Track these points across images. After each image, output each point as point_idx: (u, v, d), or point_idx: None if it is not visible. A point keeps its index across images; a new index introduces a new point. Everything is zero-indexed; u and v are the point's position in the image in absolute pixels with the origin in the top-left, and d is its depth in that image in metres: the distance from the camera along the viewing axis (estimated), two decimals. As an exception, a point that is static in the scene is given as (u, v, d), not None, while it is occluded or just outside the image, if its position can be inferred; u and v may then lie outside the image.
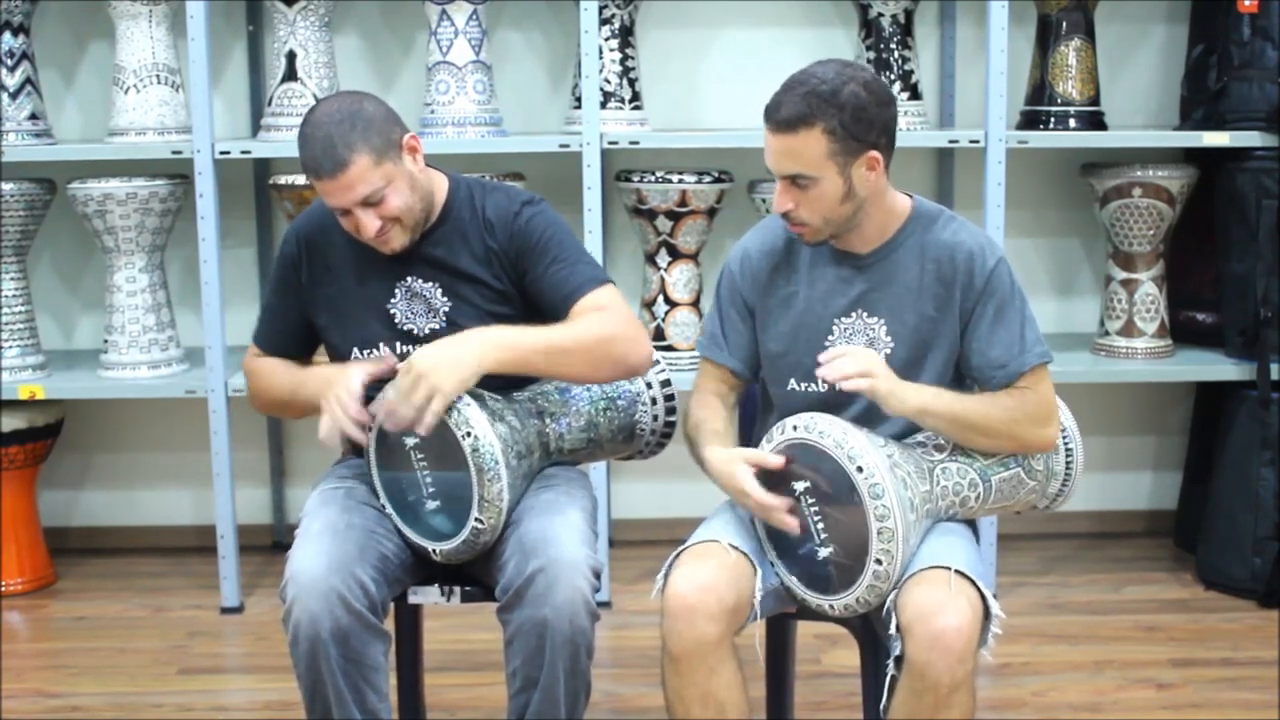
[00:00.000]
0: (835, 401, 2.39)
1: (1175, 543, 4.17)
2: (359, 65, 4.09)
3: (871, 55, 3.84)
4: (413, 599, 2.55)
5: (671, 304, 3.87)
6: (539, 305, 2.50)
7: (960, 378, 2.43)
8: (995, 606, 2.23)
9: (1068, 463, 2.51)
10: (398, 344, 2.51)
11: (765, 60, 4.03)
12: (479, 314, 2.50)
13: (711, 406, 2.49)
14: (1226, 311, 3.87)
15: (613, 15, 3.83)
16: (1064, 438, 2.52)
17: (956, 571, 2.21)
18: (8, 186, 3.70)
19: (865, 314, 2.41)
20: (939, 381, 2.39)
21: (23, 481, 3.92)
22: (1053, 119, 3.87)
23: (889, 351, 2.39)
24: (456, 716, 3.15)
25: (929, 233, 2.41)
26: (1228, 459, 3.78)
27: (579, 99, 3.76)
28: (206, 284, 3.69)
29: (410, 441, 2.42)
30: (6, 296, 3.78)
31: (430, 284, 2.51)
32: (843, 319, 2.42)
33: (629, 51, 3.88)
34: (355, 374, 2.42)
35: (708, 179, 3.76)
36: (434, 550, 2.44)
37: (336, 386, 2.40)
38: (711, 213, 3.84)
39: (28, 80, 3.80)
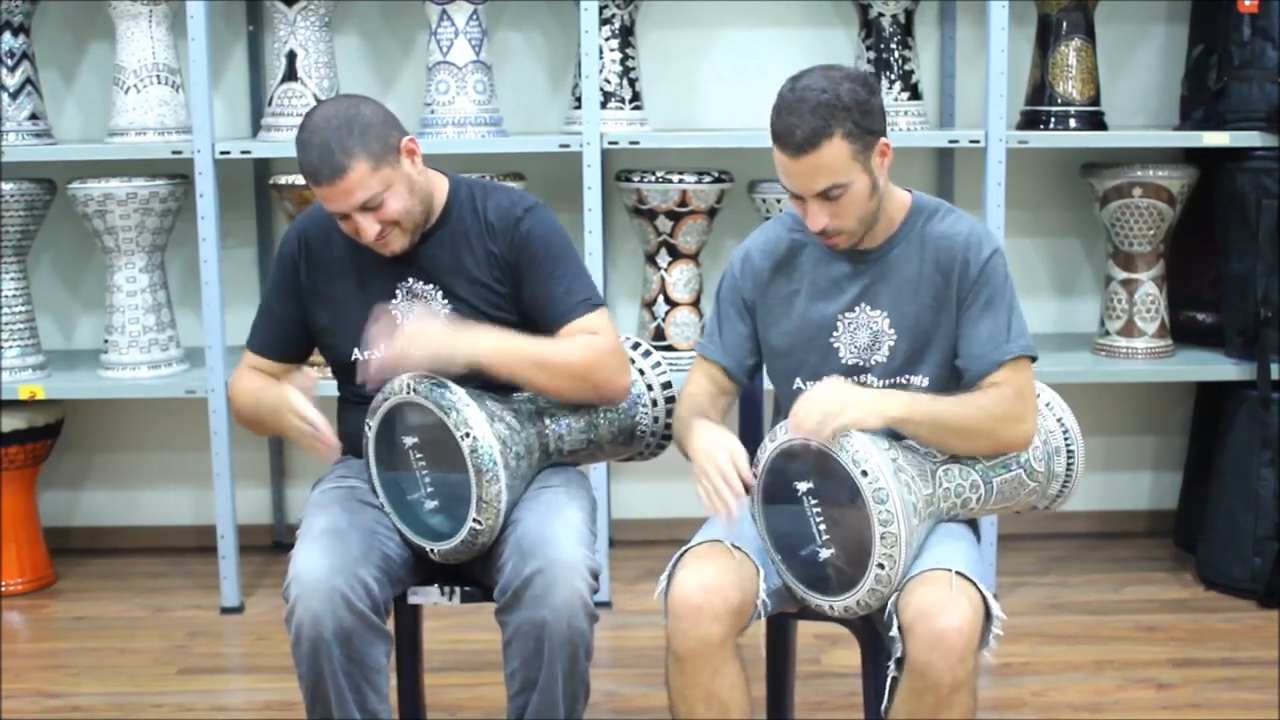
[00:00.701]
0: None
1: (1175, 543, 4.17)
2: (359, 65, 4.09)
3: (871, 55, 3.84)
4: (413, 599, 2.55)
5: (671, 304, 3.87)
6: (531, 315, 2.50)
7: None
8: (996, 607, 2.23)
9: (1069, 463, 2.51)
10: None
11: (765, 60, 4.04)
12: (479, 316, 2.50)
13: (700, 399, 2.49)
14: (1226, 311, 3.87)
15: (613, 15, 3.83)
16: (1065, 438, 2.52)
17: (957, 573, 2.21)
18: (8, 186, 3.70)
19: (869, 308, 2.41)
20: (940, 372, 2.39)
21: (23, 481, 3.92)
22: (1053, 119, 3.87)
23: (892, 344, 2.40)
24: (456, 717, 3.15)
25: (928, 225, 2.42)
26: (1228, 459, 3.78)
27: (579, 99, 3.76)
28: (206, 284, 3.69)
29: (409, 441, 2.42)
30: (6, 296, 3.78)
31: (430, 286, 2.51)
32: (846, 314, 2.42)
33: (629, 51, 3.88)
34: (291, 399, 2.43)
35: (708, 179, 3.76)
36: (432, 550, 2.44)
37: (285, 415, 2.43)
38: (711, 213, 3.84)
39: (28, 80, 3.80)
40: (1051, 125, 3.87)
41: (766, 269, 2.48)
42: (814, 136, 2.26)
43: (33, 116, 3.81)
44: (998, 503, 2.42)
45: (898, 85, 3.83)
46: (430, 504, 2.43)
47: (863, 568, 2.22)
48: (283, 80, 3.76)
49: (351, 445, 2.59)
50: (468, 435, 2.34)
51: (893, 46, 3.84)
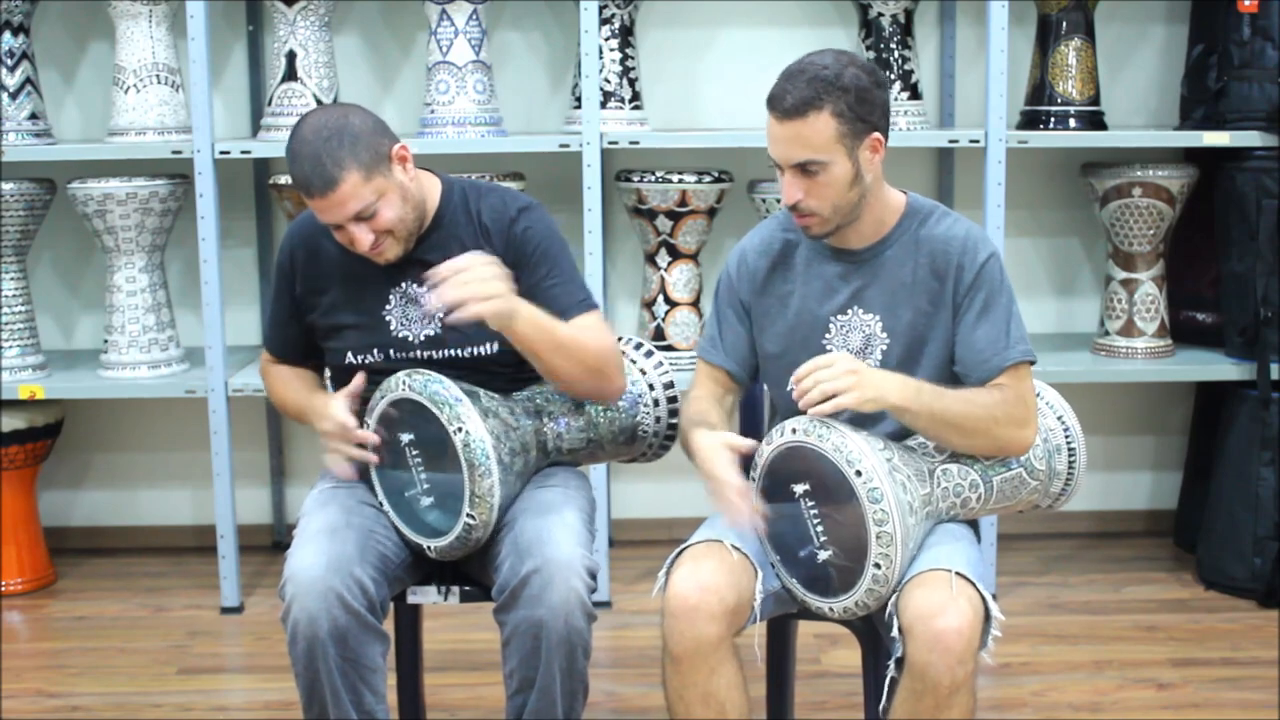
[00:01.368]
0: (835, 401, 2.39)
1: (1175, 543, 4.17)
2: (359, 65, 4.09)
3: (871, 55, 3.84)
4: (411, 599, 2.55)
5: (671, 304, 3.87)
6: None
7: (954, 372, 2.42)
8: (996, 609, 2.23)
9: (1070, 462, 2.51)
10: (392, 351, 2.51)
11: (765, 60, 3.99)
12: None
13: (704, 404, 2.49)
14: (1226, 311, 3.87)
15: (613, 15, 3.83)
16: (1066, 435, 2.51)
17: (957, 573, 2.20)
18: (8, 186, 3.70)
19: (861, 311, 2.41)
20: (936, 377, 2.38)
21: (23, 481, 3.92)
22: (1053, 119, 3.87)
23: (885, 347, 2.39)
24: (456, 716, 3.15)
25: (923, 228, 2.41)
26: (1228, 459, 3.78)
27: (579, 99, 3.76)
28: (206, 284, 3.69)
29: (406, 438, 2.42)
30: (6, 296, 3.78)
31: (425, 289, 2.50)
32: (839, 316, 2.41)
33: (629, 51, 3.88)
34: (332, 405, 2.47)
35: (708, 179, 3.76)
36: (429, 547, 2.44)
37: (321, 423, 2.47)
38: (711, 213, 3.84)
39: (28, 80, 3.80)
40: (1051, 125, 3.87)
41: (763, 269, 2.48)
42: (803, 105, 2.27)
43: (33, 116, 3.81)
44: (998, 502, 2.42)
45: (898, 85, 3.83)
46: (426, 500, 2.43)
47: (860, 568, 2.22)
48: (283, 80, 3.76)
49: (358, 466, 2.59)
50: (460, 430, 2.34)
51: (893, 46, 3.84)
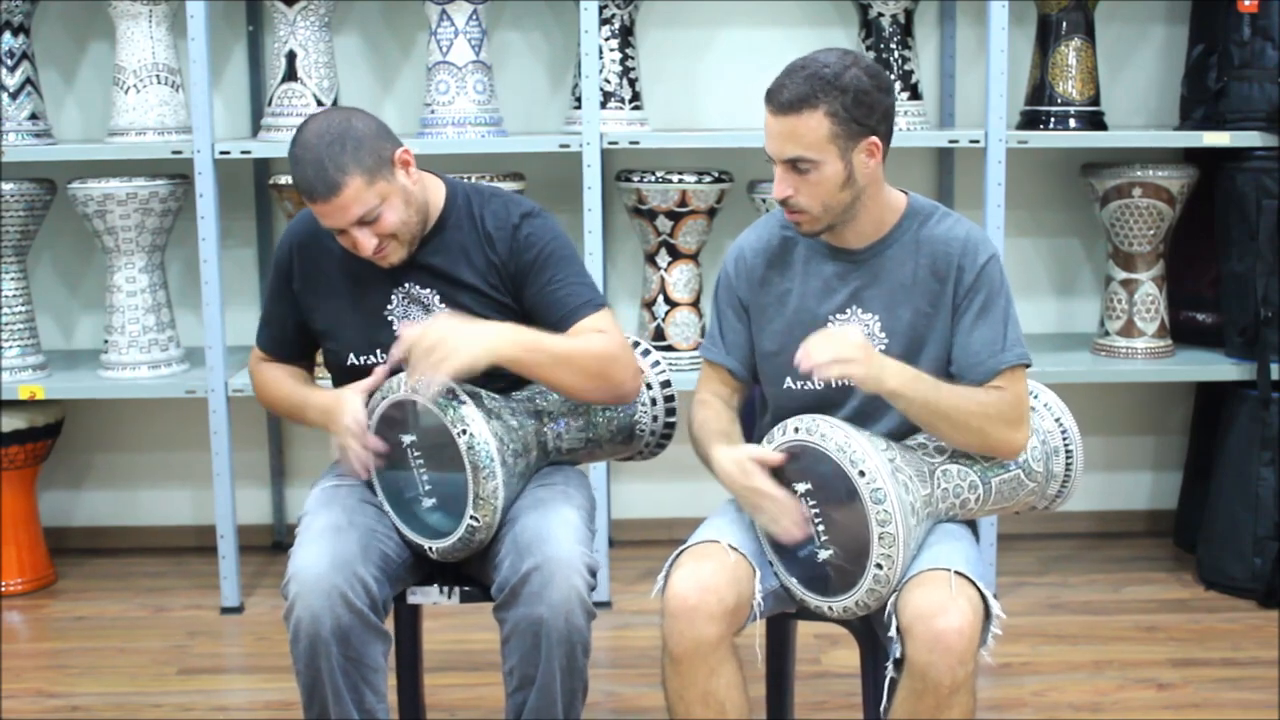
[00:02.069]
0: (831, 400, 2.39)
1: (1175, 543, 4.17)
2: (359, 65, 4.09)
3: (871, 55, 3.84)
4: (412, 599, 2.55)
5: (671, 304, 3.87)
6: (536, 319, 2.50)
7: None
8: (996, 607, 2.23)
9: (1067, 464, 2.51)
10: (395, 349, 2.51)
11: (765, 60, 3.99)
12: (477, 319, 2.49)
13: (714, 408, 2.49)
14: (1226, 311, 3.87)
15: (613, 15, 3.83)
16: (1064, 437, 2.51)
17: (957, 573, 2.20)
18: (8, 186, 3.70)
19: (860, 310, 2.40)
20: (933, 376, 2.38)
21: (23, 481, 3.92)
22: (1053, 119, 3.87)
23: (884, 348, 2.38)
24: (456, 716, 3.15)
25: (923, 228, 2.40)
26: (1228, 459, 3.78)
27: (579, 99, 3.76)
28: (206, 284, 3.69)
29: (407, 439, 2.42)
30: (6, 296, 3.78)
31: (427, 290, 2.50)
32: (837, 315, 2.41)
33: (629, 51, 3.88)
34: (355, 401, 2.44)
35: (708, 179, 3.76)
36: (431, 548, 2.44)
37: (343, 418, 2.43)
38: (711, 213, 3.84)
39: (28, 80, 3.80)
40: (1051, 125, 3.87)
41: (760, 267, 2.48)
42: (797, 102, 2.26)
43: (33, 116, 3.81)
44: (996, 503, 2.42)
45: (898, 85, 3.83)
46: (428, 502, 2.43)
47: (861, 568, 2.22)
48: (283, 80, 3.76)
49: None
50: (464, 432, 2.34)
51: (893, 46, 3.84)
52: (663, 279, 3.87)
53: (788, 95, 2.27)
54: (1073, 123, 3.87)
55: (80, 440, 4.23)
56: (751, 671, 2.34)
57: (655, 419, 2.70)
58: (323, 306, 2.56)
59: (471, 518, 2.37)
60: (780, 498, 2.28)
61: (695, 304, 3.89)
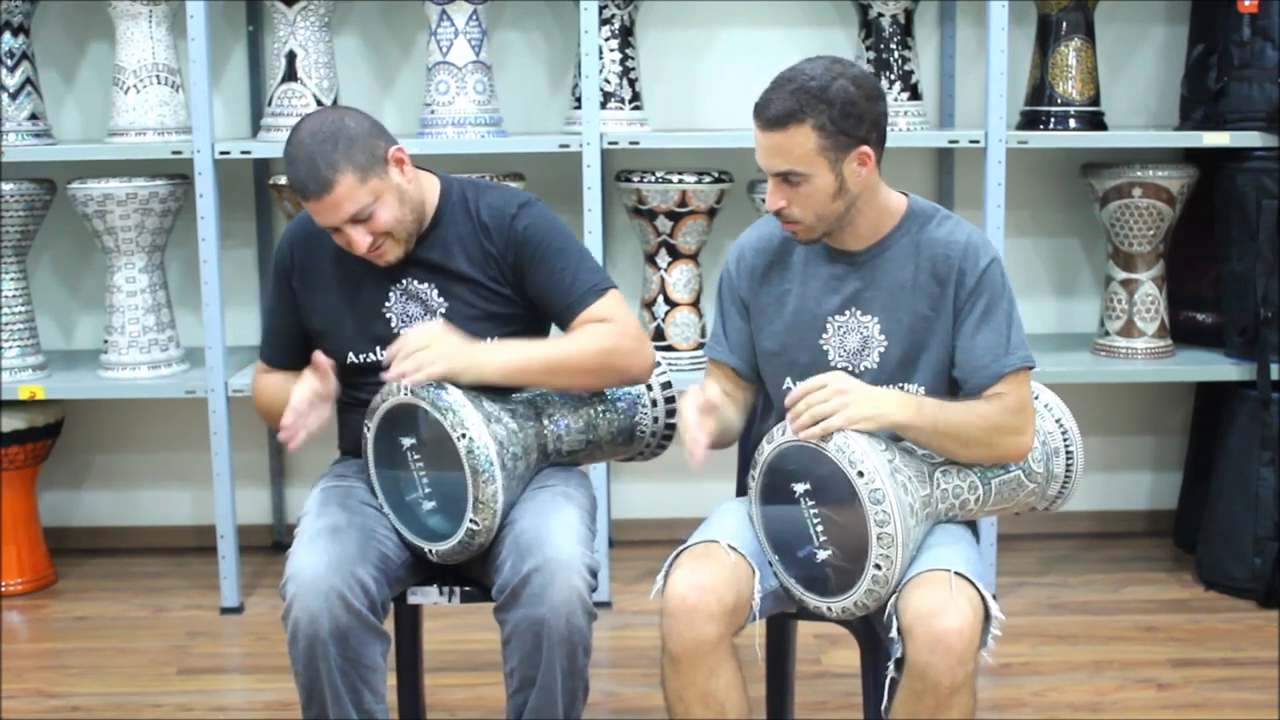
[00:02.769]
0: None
1: (1175, 543, 4.17)
2: (359, 65, 4.09)
3: (871, 55, 3.84)
4: (412, 599, 2.55)
5: (671, 304, 3.87)
6: (540, 308, 2.51)
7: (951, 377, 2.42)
8: (995, 608, 2.23)
9: (1068, 465, 2.51)
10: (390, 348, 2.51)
11: (765, 60, 3.98)
12: (477, 313, 2.50)
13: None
14: (1226, 311, 3.87)
15: (613, 15, 3.83)
16: (1064, 439, 2.51)
17: (957, 573, 2.20)
18: (8, 186, 3.70)
19: (859, 312, 2.40)
20: (933, 380, 2.38)
21: (23, 481, 3.92)
22: (1053, 119, 3.87)
23: (883, 350, 2.38)
24: (456, 716, 3.15)
25: (924, 231, 2.40)
26: (1228, 459, 3.78)
27: (579, 99, 3.76)
28: (206, 284, 3.69)
29: (407, 442, 2.42)
30: (6, 296, 3.78)
31: (426, 285, 2.51)
32: (836, 317, 2.41)
33: (629, 51, 3.88)
34: (301, 386, 2.45)
35: (708, 179, 3.76)
36: (430, 550, 2.44)
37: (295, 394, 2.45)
38: (711, 213, 3.84)
39: (28, 80, 3.80)
40: (1051, 125, 3.87)
41: (761, 266, 2.48)
42: (784, 117, 2.26)
43: (33, 116, 3.81)
44: (996, 504, 2.42)
45: (898, 85, 3.83)
46: (428, 504, 2.43)
47: (860, 568, 2.22)
48: (283, 80, 3.76)
49: (351, 446, 2.59)
50: (464, 436, 2.34)
51: (892, 46, 3.83)
52: (663, 279, 3.87)
53: (774, 110, 2.26)
54: (1073, 123, 3.87)
55: (80, 440, 4.23)
56: (751, 671, 2.34)
57: (656, 420, 2.70)
58: (321, 304, 2.56)
59: (471, 521, 2.37)
60: (689, 422, 2.27)
61: (695, 304, 3.89)
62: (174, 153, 3.69)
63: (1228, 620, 3.62)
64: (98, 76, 4.06)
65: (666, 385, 2.70)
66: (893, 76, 3.83)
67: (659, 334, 3.87)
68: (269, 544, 4.25)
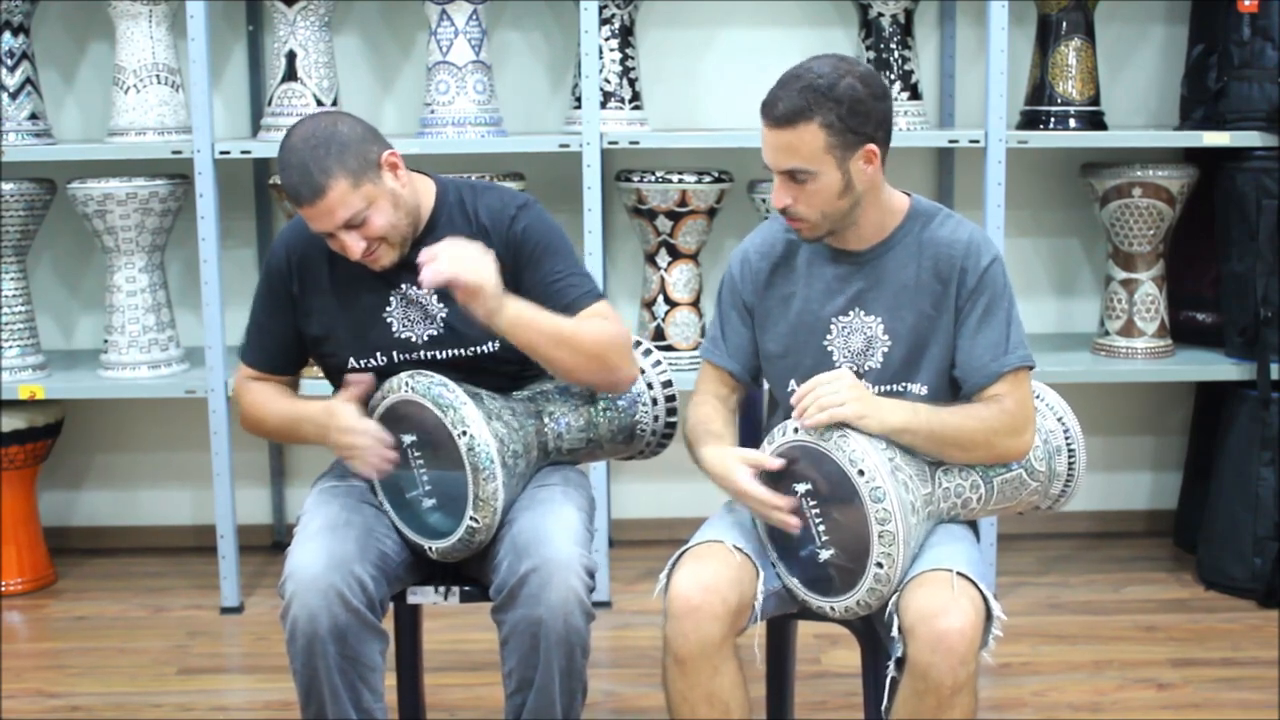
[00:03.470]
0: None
1: (1175, 543, 4.17)
2: (359, 65, 4.09)
3: (871, 55, 3.84)
4: (411, 599, 2.55)
5: (671, 304, 3.87)
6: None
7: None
8: (997, 608, 2.22)
9: (1070, 463, 2.51)
10: (395, 353, 2.50)
11: (765, 60, 3.99)
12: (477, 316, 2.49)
13: (710, 407, 2.49)
14: (1226, 311, 3.87)
15: (613, 15, 3.83)
16: (1066, 437, 2.51)
17: (958, 573, 2.20)
18: (8, 186, 3.70)
19: (863, 312, 2.40)
20: (936, 380, 2.38)
21: (23, 481, 3.92)
22: (1053, 119, 3.87)
23: (886, 350, 2.38)
24: (456, 716, 3.15)
25: (926, 230, 2.40)
26: (1228, 459, 3.78)
27: (579, 99, 3.76)
28: (206, 284, 3.69)
29: (408, 440, 2.42)
30: (6, 296, 3.78)
31: (426, 290, 2.50)
32: (840, 318, 2.41)
33: (629, 51, 3.88)
34: (346, 410, 2.43)
35: (708, 179, 3.76)
36: (430, 548, 2.44)
37: (341, 422, 2.42)
38: (711, 213, 3.84)
39: (28, 80, 3.80)
40: (1051, 125, 3.87)
41: (765, 270, 2.48)
42: (792, 115, 2.26)
43: (33, 116, 3.81)
44: (999, 503, 2.42)
45: (898, 85, 3.83)
46: (428, 502, 2.43)
47: (862, 567, 2.22)
48: (283, 80, 3.76)
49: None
50: (464, 433, 2.34)
51: (892, 46, 3.84)
52: (663, 279, 3.87)
53: (782, 108, 2.27)
54: (1073, 123, 3.87)
55: (80, 440, 4.23)
56: (751, 672, 2.34)
57: (656, 419, 2.70)
58: (320, 310, 2.54)
59: (471, 519, 2.37)
60: (760, 496, 2.28)
61: (695, 304, 3.89)
62: (174, 153, 3.69)
63: (1228, 620, 3.62)
64: (98, 76, 4.06)
65: (667, 384, 2.71)
66: (893, 76, 3.83)
67: (659, 334, 3.87)
68: (269, 544, 4.25)
